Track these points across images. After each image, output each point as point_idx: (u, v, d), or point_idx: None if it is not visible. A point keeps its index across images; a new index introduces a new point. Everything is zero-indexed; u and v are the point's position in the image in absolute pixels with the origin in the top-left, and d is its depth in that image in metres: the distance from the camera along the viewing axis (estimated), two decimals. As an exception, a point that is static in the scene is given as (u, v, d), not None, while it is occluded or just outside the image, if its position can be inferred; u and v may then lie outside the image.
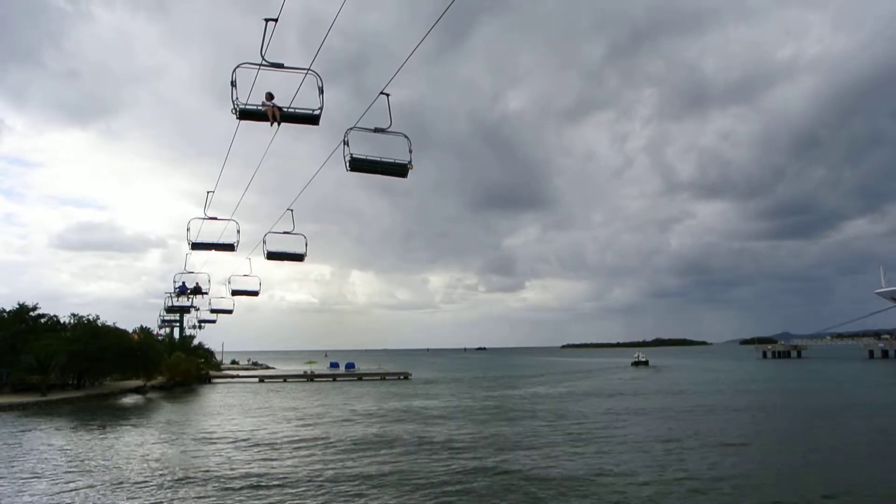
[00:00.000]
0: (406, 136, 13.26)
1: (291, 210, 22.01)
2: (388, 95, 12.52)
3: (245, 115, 12.16)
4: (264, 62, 11.11)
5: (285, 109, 12.37)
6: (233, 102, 11.86)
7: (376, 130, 13.00)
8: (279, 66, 11.31)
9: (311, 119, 12.55)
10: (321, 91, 12.03)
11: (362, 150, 13.21)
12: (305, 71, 11.63)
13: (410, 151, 13.31)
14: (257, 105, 12.25)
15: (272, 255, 23.40)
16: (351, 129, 12.92)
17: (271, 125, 12.37)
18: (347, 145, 12.92)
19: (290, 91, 12.19)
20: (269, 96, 12.32)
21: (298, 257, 23.41)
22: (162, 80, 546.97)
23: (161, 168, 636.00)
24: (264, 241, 23.03)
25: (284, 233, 22.79)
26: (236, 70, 11.55)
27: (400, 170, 13.44)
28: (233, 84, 11.65)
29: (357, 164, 13.11)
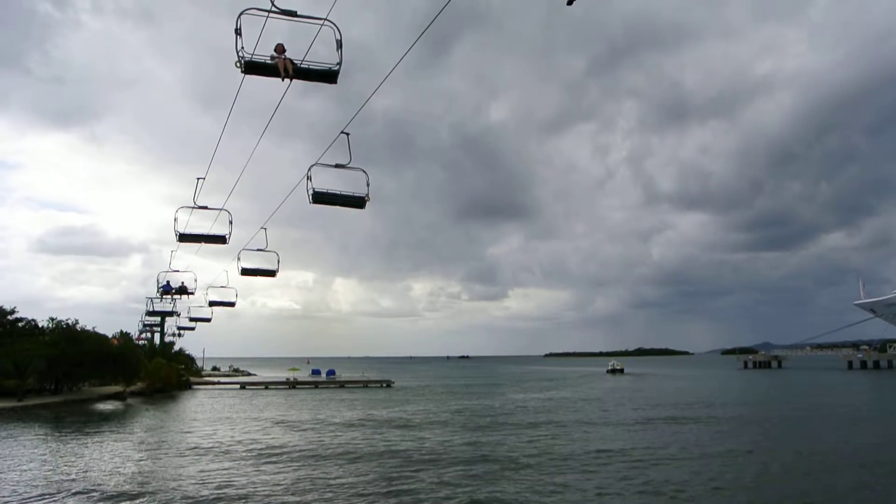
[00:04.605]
0: (364, 172, 13.92)
1: (265, 228, 23.18)
2: (348, 135, 13.12)
3: (252, 68, 10.63)
4: (274, 9, 9.65)
5: (299, 64, 10.84)
6: (237, 54, 10.35)
7: (337, 166, 13.57)
8: (292, 13, 9.81)
9: (329, 76, 11.06)
10: (339, 45, 10.61)
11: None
12: (321, 22, 10.16)
13: (368, 185, 14.01)
14: (266, 58, 10.74)
15: (246, 272, 25.32)
16: (314, 164, 13.50)
17: (282, 80, 10.81)
18: (310, 180, 13.50)
19: (300, 49, 10.93)
20: (281, 48, 10.79)
21: (271, 273, 25.15)
22: (146, 87, 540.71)
23: (143, 173, 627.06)
24: (238, 258, 24.74)
25: (258, 250, 24.11)
26: (241, 16, 10.00)
27: (358, 202, 14.23)
28: (237, 32, 10.12)
29: (319, 197, 13.74)
